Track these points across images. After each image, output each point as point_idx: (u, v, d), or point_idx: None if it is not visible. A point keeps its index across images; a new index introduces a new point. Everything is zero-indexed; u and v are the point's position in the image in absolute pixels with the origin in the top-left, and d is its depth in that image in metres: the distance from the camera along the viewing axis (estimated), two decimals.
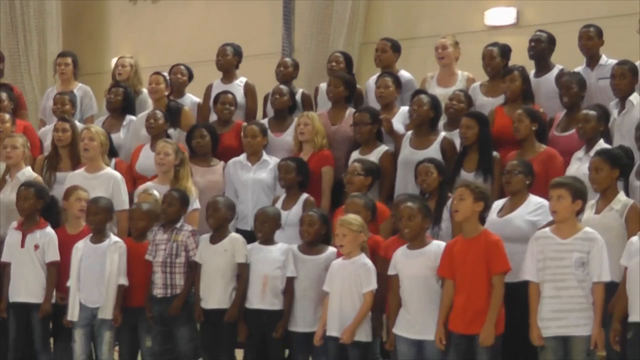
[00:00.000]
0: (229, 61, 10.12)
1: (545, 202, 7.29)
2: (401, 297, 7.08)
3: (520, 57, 9.25)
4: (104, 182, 8.61)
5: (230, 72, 10.14)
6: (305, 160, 8.73)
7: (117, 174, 8.73)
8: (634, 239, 6.63)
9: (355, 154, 8.68)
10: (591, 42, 8.86)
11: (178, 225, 8.04)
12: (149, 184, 8.67)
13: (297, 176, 8.48)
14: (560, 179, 6.82)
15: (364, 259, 7.28)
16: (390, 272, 7.16)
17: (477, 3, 12.34)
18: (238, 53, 10.18)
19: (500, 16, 12.30)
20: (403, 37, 11.60)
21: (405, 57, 9.98)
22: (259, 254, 7.80)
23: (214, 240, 7.92)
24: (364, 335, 7.26)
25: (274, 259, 7.73)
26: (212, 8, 14.39)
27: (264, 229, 7.82)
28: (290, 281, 7.67)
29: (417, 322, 7.01)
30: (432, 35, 10.00)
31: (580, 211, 6.72)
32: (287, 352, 7.93)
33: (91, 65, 14.17)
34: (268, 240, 7.83)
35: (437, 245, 7.09)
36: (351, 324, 7.18)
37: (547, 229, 6.79)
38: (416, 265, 7.05)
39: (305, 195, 8.47)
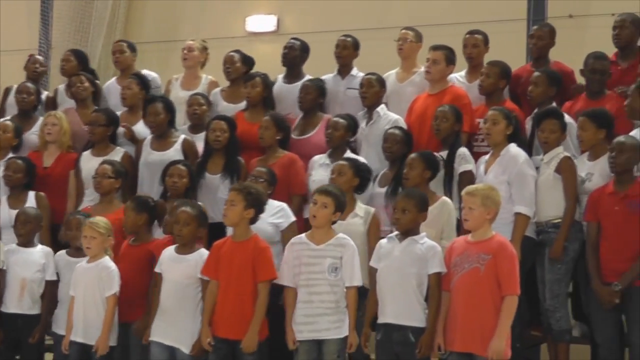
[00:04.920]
0: None
1: (284, 205, 7.50)
2: (161, 300, 7.03)
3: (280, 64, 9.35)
4: None
5: None
6: (50, 160, 8.57)
7: None
8: (383, 241, 6.82)
9: (87, 155, 8.54)
10: (346, 51, 9.03)
11: None
12: None
13: (24, 177, 8.29)
14: (329, 188, 6.90)
15: (108, 262, 7.19)
16: (156, 269, 7.10)
17: (238, 9, 12.45)
18: None
19: (261, 23, 12.46)
20: (164, 39, 11.60)
21: (165, 59, 9.94)
22: (18, 256, 7.58)
23: None
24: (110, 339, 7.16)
25: (34, 261, 7.54)
26: None
27: (24, 230, 7.61)
28: (49, 285, 7.49)
29: (171, 327, 6.95)
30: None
31: (335, 222, 6.85)
32: None
33: None
34: (28, 243, 7.62)
35: (200, 255, 7.04)
36: (102, 333, 7.06)
37: (303, 235, 6.90)
38: (178, 270, 7.00)
39: (32, 194, 8.26)
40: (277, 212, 7.51)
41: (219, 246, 6.96)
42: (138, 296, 7.23)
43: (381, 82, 8.53)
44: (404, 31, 9.01)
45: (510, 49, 9.54)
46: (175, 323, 6.95)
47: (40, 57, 10.10)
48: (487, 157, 7.64)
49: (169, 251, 7.11)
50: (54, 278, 7.52)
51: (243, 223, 6.88)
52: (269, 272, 6.81)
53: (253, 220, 6.92)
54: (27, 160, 8.43)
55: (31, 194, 8.25)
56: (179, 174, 7.82)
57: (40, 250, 7.61)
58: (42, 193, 8.29)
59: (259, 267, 6.79)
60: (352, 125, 8.19)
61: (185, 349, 6.93)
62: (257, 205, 6.90)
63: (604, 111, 7.49)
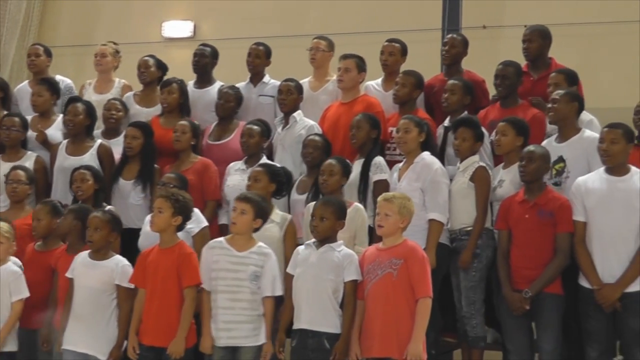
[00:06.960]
0: None
1: (195, 210, 7.39)
2: (73, 307, 6.97)
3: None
4: None
5: None
6: None
7: None
8: (300, 248, 6.84)
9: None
10: (258, 60, 9.05)
11: None
12: None
13: None
14: (249, 195, 6.91)
15: (13, 267, 7.14)
16: (68, 274, 7.03)
17: (155, 14, 12.44)
18: None
19: (177, 29, 12.46)
20: (79, 43, 11.53)
21: (80, 63, 9.87)
22: None
23: None
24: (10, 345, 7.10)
25: None
26: None
27: None
28: None
29: (86, 334, 6.89)
30: None
31: (258, 229, 6.86)
32: None
33: None
34: None
35: (116, 262, 6.99)
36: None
37: (222, 239, 6.88)
38: (93, 276, 6.94)
39: None
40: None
41: (145, 255, 6.92)
42: (45, 302, 7.18)
43: (299, 89, 8.57)
44: (316, 40, 9.03)
45: (425, 58, 9.66)
46: (90, 330, 6.89)
47: None
48: (400, 164, 7.70)
49: (82, 257, 7.05)
50: None
51: (170, 230, 6.85)
52: (194, 278, 6.75)
53: (180, 227, 6.92)
54: None
55: None
56: (82, 178, 7.80)
57: None
58: None
59: (183, 272, 6.74)
60: (265, 131, 8.22)
61: (102, 355, 6.88)
62: (184, 213, 6.89)
63: (523, 121, 7.61)
